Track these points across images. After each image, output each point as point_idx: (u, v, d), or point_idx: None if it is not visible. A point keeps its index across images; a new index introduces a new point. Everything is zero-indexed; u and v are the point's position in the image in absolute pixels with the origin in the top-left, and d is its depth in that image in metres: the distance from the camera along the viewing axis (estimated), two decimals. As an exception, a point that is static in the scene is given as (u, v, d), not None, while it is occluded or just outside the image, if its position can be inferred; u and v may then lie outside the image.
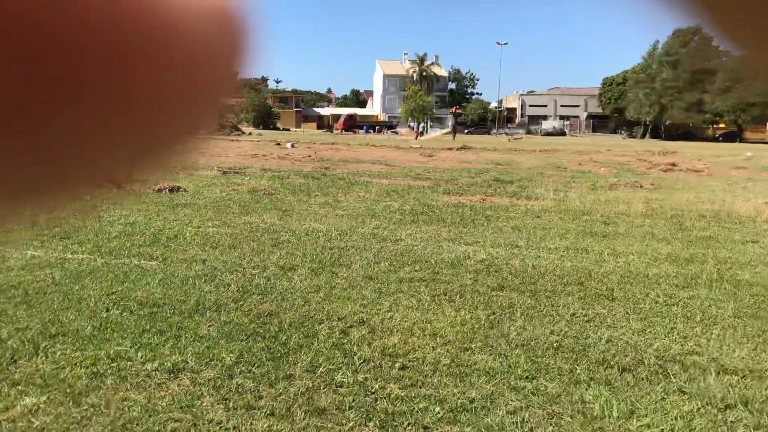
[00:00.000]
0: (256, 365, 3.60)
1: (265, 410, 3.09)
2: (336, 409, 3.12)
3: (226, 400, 3.19)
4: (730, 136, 72.84)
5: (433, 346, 3.96)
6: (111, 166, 0.23)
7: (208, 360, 3.67)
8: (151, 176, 0.24)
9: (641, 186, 14.24)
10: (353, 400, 3.20)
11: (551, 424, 3.04)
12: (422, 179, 14.81)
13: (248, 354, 3.75)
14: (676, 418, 3.12)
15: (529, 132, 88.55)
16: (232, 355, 3.72)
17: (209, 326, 4.21)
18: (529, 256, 6.60)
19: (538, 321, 4.54)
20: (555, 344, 4.06)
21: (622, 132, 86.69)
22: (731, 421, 3.13)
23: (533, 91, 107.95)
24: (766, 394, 3.43)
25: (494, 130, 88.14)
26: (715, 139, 73.94)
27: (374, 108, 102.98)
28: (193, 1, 0.22)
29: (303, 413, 3.07)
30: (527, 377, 3.55)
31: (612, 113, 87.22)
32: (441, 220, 8.83)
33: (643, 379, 3.59)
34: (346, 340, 4.01)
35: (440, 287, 5.30)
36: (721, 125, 79.14)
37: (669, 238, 7.89)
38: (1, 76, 0.19)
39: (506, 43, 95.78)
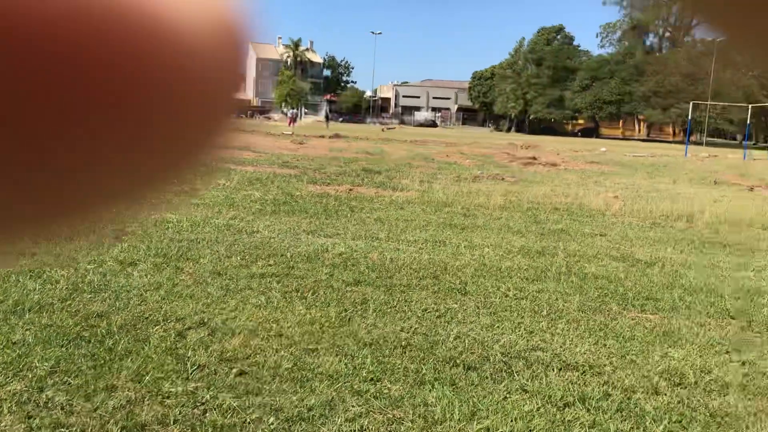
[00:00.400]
0: (73, 375, 3.22)
1: (75, 428, 2.75)
2: (158, 423, 2.83)
3: (30, 417, 2.81)
4: (588, 132, 77.58)
5: (276, 348, 3.74)
6: (119, 192, 0.23)
7: (17, 370, 3.25)
8: (159, 198, 0.24)
9: (503, 179, 14.69)
10: (179, 413, 2.92)
11: (391, 431, 2.91)
12: (289, 167, 14.50)
13: (66, 362, 3.36)
14: (516, 419, 3.09)
15: (402, 122, 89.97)
16: (46, 363, 3.31)
17: (26, 330, 3.76)
18: (388, 249, 6.53)
19: (389, 317, 4.43)
20: (404, 342, 3.96)
21: (490, 125, 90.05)
22: (569, 420, 3.14)
23: (407, 82, 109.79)
24: (604, 390, 3.49)
25: (369, 119, 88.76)
26: (574, 134, 78.46)
27: (246, 92, 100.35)
28: (197, 17, 0.21)
29: (119, 430, 2.75)
30: (372, 379, 3.41)
31: (481, 107, 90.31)
32: (303, 210, 8.60)
33: (487, 377, 3.55)
34: (181, 344, 3.70)
35: (293, 283, 5.08)
36: (580, 121, 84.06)
37: (524, 230, 8.10)
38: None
39: (380, 33, 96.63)
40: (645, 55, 71.78)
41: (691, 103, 38.68)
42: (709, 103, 55.48)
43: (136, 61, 0.20)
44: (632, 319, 4.77)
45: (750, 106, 39.84)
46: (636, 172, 18.83)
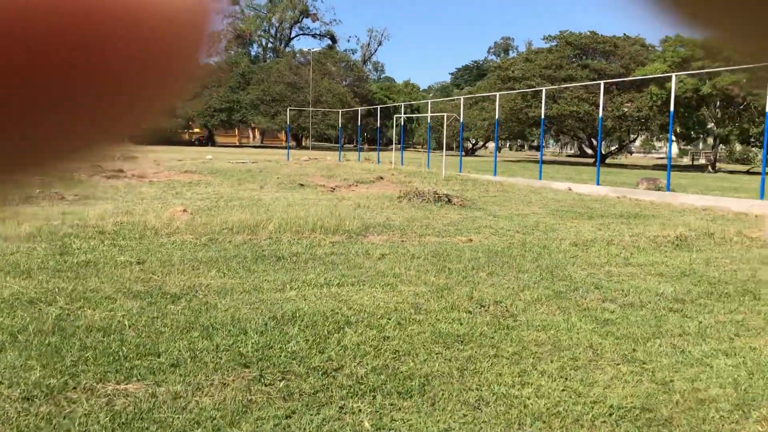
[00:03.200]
0: None
1: None
2: None
3: None
4: (206, 140, 76.74)
5: None
6: (57, 152, 0.23)
7: None
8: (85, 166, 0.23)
9: (63, 198, 12.36)
10: None
11: None
12: None
13: None
14: None
15: None
16: None
17: None
18: None
19: None
20: None
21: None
22: None
23: None
24: None
25: None
26: (192, 143, 76.86)
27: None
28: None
29: None
30: None
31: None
32: None
33: None
34: None
35: None
36: (197, 130, 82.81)
37: (34, 269, 6.18)
38: None
39: None
40: (251, 64, 73.51)
41: (288, 110, 40.13)
42: (311, 109, 58.89)
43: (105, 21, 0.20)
44: (101, 403, 3.33)
45: (341, 111, 43.00)
46: (228, 179, 17.96)
